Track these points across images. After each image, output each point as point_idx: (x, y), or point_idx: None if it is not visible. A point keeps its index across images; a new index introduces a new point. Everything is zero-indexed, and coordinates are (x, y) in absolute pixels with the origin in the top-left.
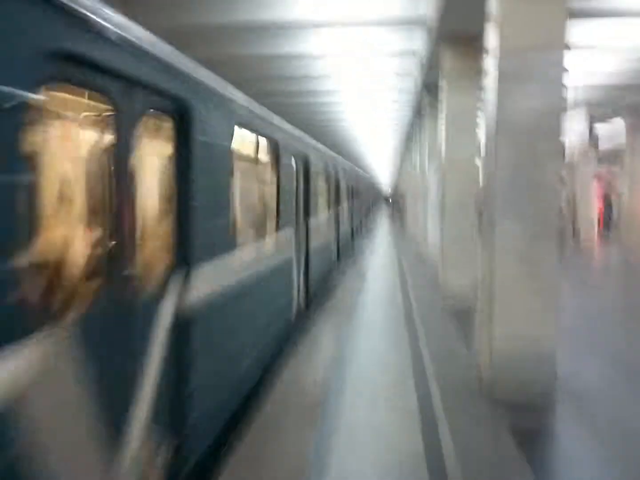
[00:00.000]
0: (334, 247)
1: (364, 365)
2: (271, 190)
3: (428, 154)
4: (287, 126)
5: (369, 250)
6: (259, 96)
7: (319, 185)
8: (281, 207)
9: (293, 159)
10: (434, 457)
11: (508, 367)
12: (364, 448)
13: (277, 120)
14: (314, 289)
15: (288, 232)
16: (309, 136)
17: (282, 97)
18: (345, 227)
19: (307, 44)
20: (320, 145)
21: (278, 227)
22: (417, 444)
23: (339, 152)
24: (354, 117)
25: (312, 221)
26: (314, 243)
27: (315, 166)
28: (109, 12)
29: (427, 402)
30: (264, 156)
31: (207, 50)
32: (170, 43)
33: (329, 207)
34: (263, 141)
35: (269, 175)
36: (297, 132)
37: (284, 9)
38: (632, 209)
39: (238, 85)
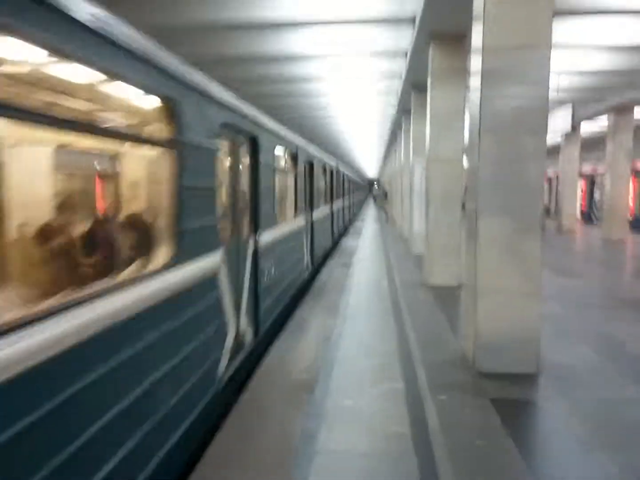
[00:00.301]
0: (305, 254)
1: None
2: (158, 191)
3: (413, 148)
4: (211, 87)
5: (353, 244)
6: (249, 97)
7: (277, 178)
8: (188, 218)
9: (225, 137)
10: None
11: (492, 352)
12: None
13: (180, 69)
14: (268, 312)
15: (209, 250)
16: (261, 112)
17: (272, 99)
18: (323, 224)
19: (294, 44)
20: (281, 127)
21: (179, 249)
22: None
23: (327, 143)
24: (342, 112)
25: (265, 231)
26: (268, 257)
27: (270, 152)
28: None
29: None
30: (137, 125)
31: (195, 49)
32: (158, 41)
33: (296, 205)
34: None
35: (156, 162)
36: (237, 102)
37: (270, 7)
38: (613, 196)
39: (227, 85)
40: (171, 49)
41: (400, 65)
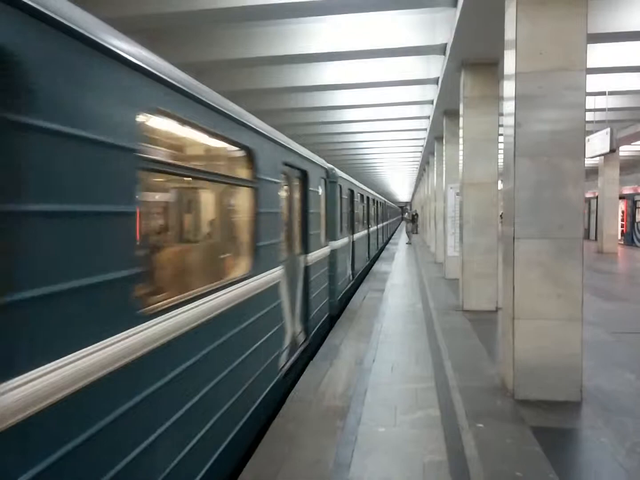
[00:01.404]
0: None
1: None
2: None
3: (446, 172)
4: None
5: (385, 269)
6: (283, 127)
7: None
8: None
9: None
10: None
11: (532, 379)
12: None
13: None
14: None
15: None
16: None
17: (303, 127)
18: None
19: (329, 76)
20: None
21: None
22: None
23: (362, 168)
24: (375, 138)
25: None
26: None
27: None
28: None
29: (449, 402)
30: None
31: (229, 83)
32: (195, 77)
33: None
34: None
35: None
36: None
37: (303, 42)
38: None
39: (261, 116)
40: (208, 82)
41: (432, 92)
